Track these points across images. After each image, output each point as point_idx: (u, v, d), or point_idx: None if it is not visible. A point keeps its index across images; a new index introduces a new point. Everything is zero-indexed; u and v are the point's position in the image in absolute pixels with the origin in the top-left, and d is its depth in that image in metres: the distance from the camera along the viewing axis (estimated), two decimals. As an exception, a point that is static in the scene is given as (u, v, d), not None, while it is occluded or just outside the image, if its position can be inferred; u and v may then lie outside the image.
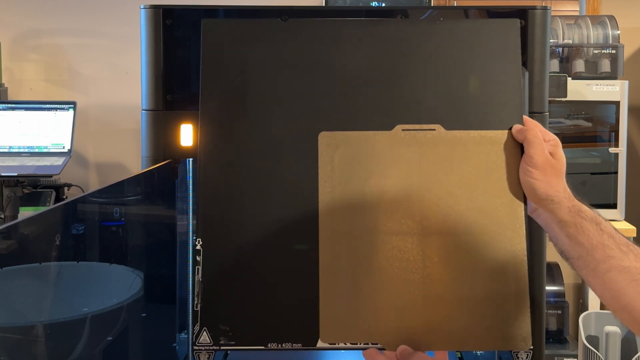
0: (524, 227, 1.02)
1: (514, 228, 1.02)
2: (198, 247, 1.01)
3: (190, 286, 1.59)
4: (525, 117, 1.08)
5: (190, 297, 1.59)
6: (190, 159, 1.52)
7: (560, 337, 2.86)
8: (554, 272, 2.90)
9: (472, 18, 1.44)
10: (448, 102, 1.05)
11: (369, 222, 1.01)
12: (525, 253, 1.01)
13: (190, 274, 1.59)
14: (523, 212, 1.02)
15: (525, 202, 1.03)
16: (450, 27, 1.09)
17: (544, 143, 1.02)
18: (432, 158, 1.03)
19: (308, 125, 1.03)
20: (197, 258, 1.01)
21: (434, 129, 1.03)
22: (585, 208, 1.00)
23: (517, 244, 1.01)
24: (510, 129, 1.05)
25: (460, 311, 1.00)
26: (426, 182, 1.02)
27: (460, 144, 1.03)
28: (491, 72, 1.07)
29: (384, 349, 0.99)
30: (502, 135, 1.04)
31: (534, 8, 1.38)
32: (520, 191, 1.02)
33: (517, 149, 1.03)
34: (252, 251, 1.02)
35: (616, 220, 2.70)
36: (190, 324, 1.60)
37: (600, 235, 0.97)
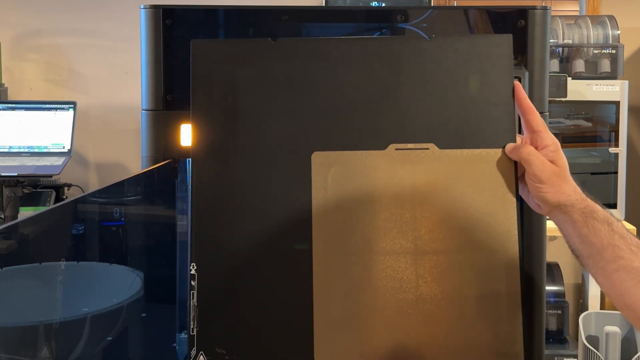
0: (517, 246, 1.02)
1: (507, 247, 1.02)
2: (192, 271, 1.01)
3: (190, 286, 1.59)
4: (518, 135, 1.07)
5: (190, 296, 1.59)
6: (190, 159, 1.52)
7: (560, 337, 2.86)
8: (554, 272, 2.90)
9: (472, 18, 1.44)
10: (441, 120, 1.04)
11: (362, 242, 1.01)
12: (519, 271, 1.02)
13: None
14: (516, 232, 1.02)
15: (518, 217, 1.03)
16: (442, 44, 1.08)
17: (543, 151, 1.02)
18: (426, 177, 1.03)
19: (300, 145, 1.03)
20: (192, 283, 1.01)
21: (427, 148, 1.03)
22: (598, 208, 1.01)
23: (511, 263, 1.01)
24: (503, 147, 1.04)
25: (454, 330, 1.00)
26: (419, 201, 1.02)
27: (454, 162, 1.03)
28: (484, 90, 1.06)
29: None
30: (495, 153, 1.03)
31: (534, 8, 1.38)
32: (513, 210, 1.02)
33: (510, 166, 1.03)
34: (246, 273, 1.02)
35: (616, 220, 2.70)
36: (190, 325, 1.60)
37: (611, 235, 0.98)
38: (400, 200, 1.02)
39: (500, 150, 1.03)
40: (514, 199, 1.02)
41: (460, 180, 1.02)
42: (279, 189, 1.02)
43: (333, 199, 1.01)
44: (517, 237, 1.02)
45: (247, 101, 1.06)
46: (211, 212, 1.03)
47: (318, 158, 1.02)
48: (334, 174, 1.02)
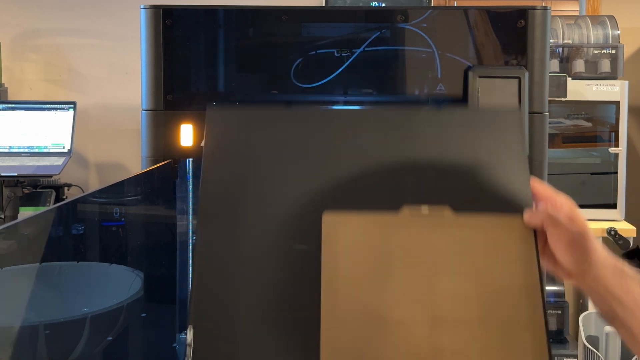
0: (543, 315, 0.95)
1: (531, 317, 0.94)
2: (189, 339, 0.96)
3: (190, 286, 1.59)
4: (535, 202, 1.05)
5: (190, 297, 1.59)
6: (190, 159, 1.52)
7: (560, 337, 2.86)
8: (554, 272, 2.90)
9: (472, 18, 1.44)
10: (455, 183, 1.00)
11: (374, 311, 0.94)
12: (546, 341, 0.94)
13: (190, 274, 1.59)
14: (540, 299, 0.95)
15: (542, 288, 0.96)
16: (452, 115, 1.07)
17: (560, 214, 0.96)
18: (442, 243, 0.97)
19: (311, 205, 0.98)
20: (187, 352, 0.96)
21: (442, 212, 0.98)
22: (627, 266, 0.95)
23: (537, 333, 0.94)
24: (519, 211, 0.98)
25: None
26: (435, 267, 0.96)
27: (471, 228, 0.98)
28: (497, 157, 1.04)
29: None
30: (512, 218, 0.98)
31: (534, 8, 1.38)
32: (536, 279, 0.95)
33: (530, 233, 0.97)
34: (249, 339, 0.96)
35: (616, 220, 2.70)
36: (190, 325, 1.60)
37: None
38: (415, 265, 0.96)
39: (517, 215, 0.98)
40: (536, 268, 0.96)
41: (478, 247, 0.97)
42: (288, 252, 0.97)
43: (343, 263, 0.96)
44: (541, 305, 0.95)
45: (259, 164, 1.02)
46: (216, 273, 0.98)
47: (329, 218, 0.98)
48: (345, 236, 0.97)
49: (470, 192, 1.00)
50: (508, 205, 0.99)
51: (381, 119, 1.06)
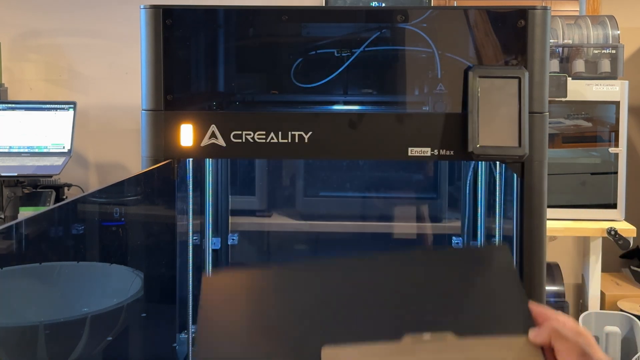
0: None
1: None
2: None
3: (190, 286, 1.59)
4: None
5: (190, 297, 1.60)
6: (190, 159, 1.52)
7: (560, 337, 2.85)
8: (554, 272, 2.90)
9: (472, 18, 1.44)
10: (455, 315, 0.99)
11: None
12: None
13: (190, 274, 1.59)
14: None
15: None
16: (445, 255, 1.09)
17: (563, 330, 0.98)
18: None
19: (309, 340, 0.96)
20: None
21: (445, 337, 0.97)
22: None
23: None
24: (523, 332, 0.99)
25: None
26: None
27: (476, 350, 0.96)
28: (493, 287, 1.04)
29: None
30: (517, 340, 0.96)
31: (534, 8, 1.38)
32: None
33: (536, 349, 0.96)
34: None
35: (616, 220, 2.70)
36: (190, 325, 1.60)
37: None
38: None
39: (522, 336, 0.97)
40: None
41: None
42: None
43: None
44: None
45: (256, 317, 1.03)
46: None
47: (328, 352, 0.95)
48: None
49: (471, 320, 0.99)
50: (510, 327, 0.99)
51: (376, 266, 1.07)
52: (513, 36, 1.40)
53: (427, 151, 1.41)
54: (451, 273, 1.05)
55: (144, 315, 1.35)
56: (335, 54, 1.49)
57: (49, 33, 3.23)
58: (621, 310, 2.79)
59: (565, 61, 2.84)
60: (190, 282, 1.58)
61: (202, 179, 1.77)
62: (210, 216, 1.82)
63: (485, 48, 1.43)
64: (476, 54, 1.44)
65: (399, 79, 1.56)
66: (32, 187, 2.86)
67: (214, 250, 1.87)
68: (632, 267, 3.19)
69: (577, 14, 3.44)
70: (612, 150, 2.76)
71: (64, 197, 2.94)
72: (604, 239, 2.69)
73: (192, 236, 1.62)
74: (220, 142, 1.40)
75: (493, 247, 1.12)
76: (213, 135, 1.40)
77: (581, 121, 2.85)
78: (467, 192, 1.95)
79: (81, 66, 3.24)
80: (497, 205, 1.63)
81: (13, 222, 0.88)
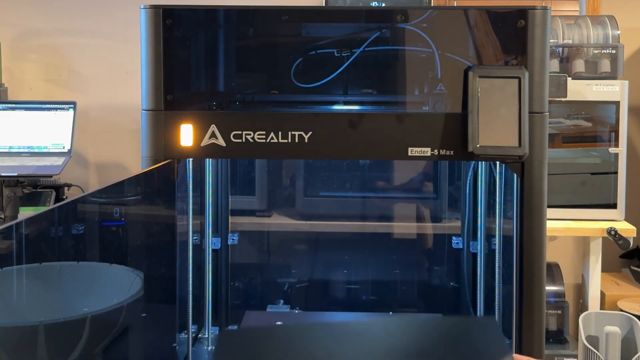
0: None
1: None
2: None
3: (190, 286, 1.59)
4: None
5: (190, 297, 1.59)
6: (190, 159, 1.52)
7: (560, 337, 2.85)
8: (554, 272, 2.90)
9: (472, 18, 1.44)
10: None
11: None
12: None
13: (190, 274, 1.59)
14: None
15: None
16: (433, 323, 1.11)
17: None
18: None
19: None
20: None
21: None
22: None
23: None
24: None
25: None
26: None
27: None
28: (482, 349, 1.07)
29: None
30: None
31: (534, 8, 1.38)
32: None
33: None
34: None
35: (616, 221, 2.70)
36: (190, 324, 1.60)
37: None
38: None
39: None
40: None
41: None
42: None
43: None
44: None
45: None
46: None
47: None
48: None
49: None
50: None
51: (368, 330, 1.08)
52: (513, 36, 1.40)
53: (427, 151, 1.41)
54: (440, 338, 1.06)
55: (144, 315, 1.35)
56: (335, 54, 1.49)
57: (49, 33, 3.23)
58: (621, 310, 2.79)
59: (565, 61, 2.84)
60: (190, 282, 1.58)
61: (202, 179, 1.77)
62: (210, 216, 1.82)
63: (485, 48, 1.43)
64: (476, 54, 1.44)
65: (399, 79, 1.56)
66: (32, 187, 2.86)
67: (214, 250, 1.87)
68: (632, 267, 3.19)
69: (577, 14, 3.43)
70: (612, 150, 2.76)
71: (64, 197, 2.94)
72: (604, 239, 2.69)
73: (192, 236, 1.62)
74: (220, 142, 1.40)
75: (480, 319, 1.14)
76: (213, 135, 1.40)
77: (581, 121, 2.85)
78: (467, 192, 1.95)
79: (81, 66, 3.24)
80: (497, 205, 1.63)
81: (13, 222, 0.88)
